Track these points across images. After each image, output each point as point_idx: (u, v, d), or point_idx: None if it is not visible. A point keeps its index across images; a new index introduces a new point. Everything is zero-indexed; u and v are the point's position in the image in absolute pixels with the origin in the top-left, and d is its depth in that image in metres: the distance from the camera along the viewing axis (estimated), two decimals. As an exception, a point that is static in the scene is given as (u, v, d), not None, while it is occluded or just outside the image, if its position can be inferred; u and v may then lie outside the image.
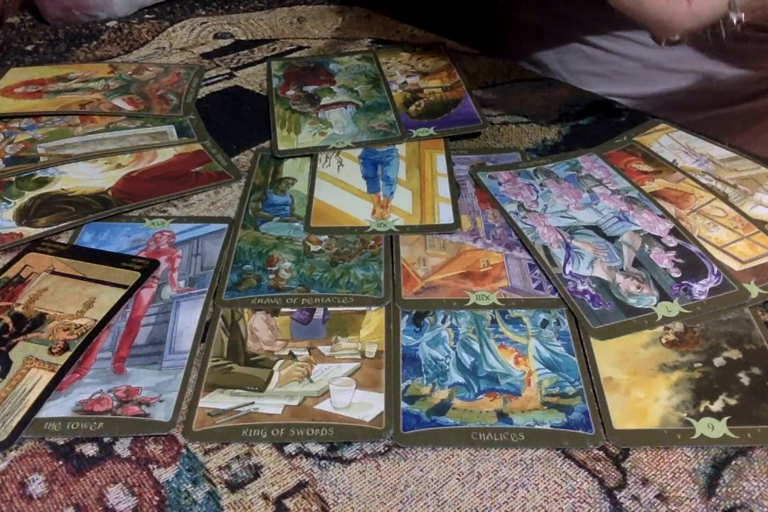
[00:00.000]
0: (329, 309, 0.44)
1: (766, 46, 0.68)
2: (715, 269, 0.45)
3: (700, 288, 0.44)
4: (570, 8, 0.74)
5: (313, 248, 0.49)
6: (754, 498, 0.34)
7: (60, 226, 0.51)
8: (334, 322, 0.44)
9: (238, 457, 0.36)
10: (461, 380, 0.40)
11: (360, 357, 0.41)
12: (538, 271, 0.46)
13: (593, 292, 0.44)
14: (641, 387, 0.39)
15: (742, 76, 0.71)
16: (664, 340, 0.42)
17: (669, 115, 0.63)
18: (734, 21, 0.45)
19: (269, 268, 0.47)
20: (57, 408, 0.38)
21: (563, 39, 0.76)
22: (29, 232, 0.51)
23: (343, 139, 0.60)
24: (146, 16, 0.87)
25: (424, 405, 0.38)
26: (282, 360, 0.41)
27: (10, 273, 0.47)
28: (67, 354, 0.41)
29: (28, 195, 0.54)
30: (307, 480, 0.35)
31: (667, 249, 0.47)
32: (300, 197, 0.54)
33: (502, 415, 0.38)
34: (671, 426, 0.37)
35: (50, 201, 0.54)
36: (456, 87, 0.68)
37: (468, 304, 0.44)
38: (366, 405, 0.38)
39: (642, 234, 0.48)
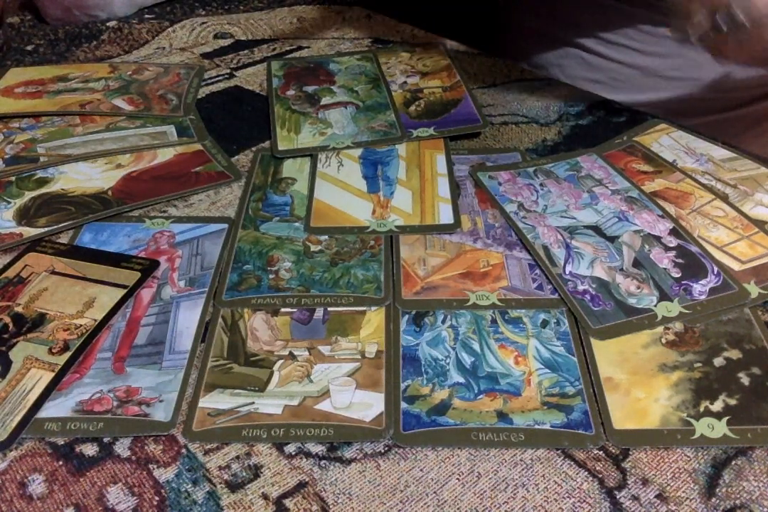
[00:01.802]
0: (329, 309, 0.44)
1: None
2: (715, 269, 0.45)
3: (700, 288, 0.44)
4: (568, 11, 0.74)
5: (313, 248, 0.49)
6: (754, 498, 0.34)
7: (60, 226, 0.51)
8: (334, 322, 0.43)
9: (238, 457, 0.36)
10: (461, 380, 0.40)
11: (360, 357, 0.41)
12: (538, 271, 0.46)
13: (593, 292, 0.44)
14: (641, 387, 0.39)
15: (741, 82, 0.71)
16: (664, 340, 0.42)
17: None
18: None
19: (269, 268, 0.47)
20: (57, 408, 0.38)
21: (562, 43, 0.76)
22: (29, 232, 0.51)
23: (343, 139, 0.60)
24: (146, 16, 0.87)
25: (424, 405, 0.38)
26: (282, 360, 0.41)
27: (10, 273, 0.47)
28: (67, 354, 0.41)
29: (28, 195, 0.54)
30: (307, 480, 0.35)
31: (667, 249, 0.47)
32: (300, 197, 0.54)
33: (502, 415, 0.38)
34: (671, 426, 0.37)
35: (50, 201, 0.54)
36: (456, 87, 0.68)
37: (468, 304, 0.44)
38: (366, 405, 0.38)
39: (642, 234, 0.48)
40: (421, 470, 0.36)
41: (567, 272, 0.46)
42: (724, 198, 0.52)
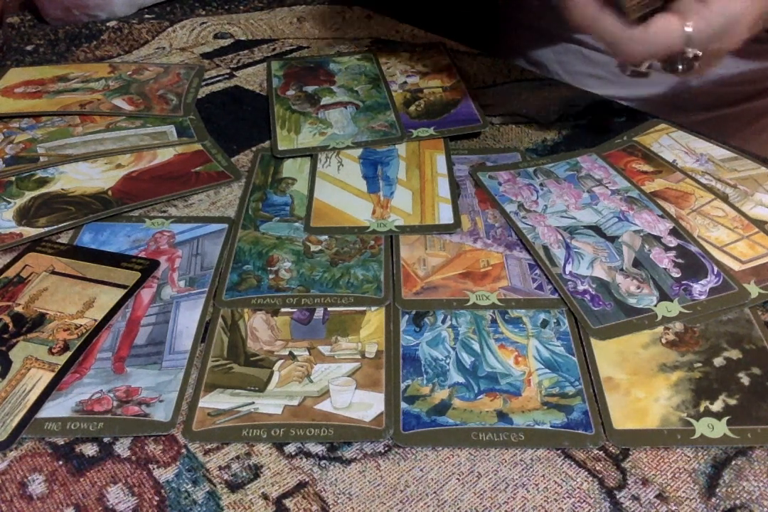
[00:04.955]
0: (329, 309, 0.44)
1: (761, 45, 0.68)
2: (715, 269, 0.45)
3: (700, 288, 0.44)
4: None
5: (313, 248, 0.49)
6: (754, 498, 0.34)
7: (60, 226, 0.51)
8: (334, 322, 0.44)
9: (238, 457, 0.36)
10: (461, 380, 0.40)
11: (360, 357, 0.41)
12: (538, 271, 0.46)
13: (593, 292, 0.44)
14: (641, 387, 0.39)
15: (740, 77, 0.71)
16: (664, 340, 0.42)
17: (667, 116, 0.63)
18: (690, 56, 0.44)
19: (269, 268, 0.47)
20: (57, 408, 0.38)
21: (562, 39, 0.76)
22: (29, 232, 0.51)
23: (343, 139, 0.60)
24: (146, 16, 0.87)
25: (424, 405, 0.38)
26: (282, 360, 0.41)
27: (10, 273, 0.47)
28: (67, 354, 0.41)
29: (28, 195, 0.54)
30: (307, 480, 0.35)
31: (667, 249, 0.47)
32: (300, 197, 0.54)
33: (502, 415, 0.38)
34: (671, 426, 0.37)
35: (50, 201, 0.54)
36: (456, 87, 0.68)
37: (468, 304, 0.44)
38: (366, 405, 0.38)
39: (642, 234, 0.48)
40: (421, 470, 0.36)
41: (567, 272, 0.46)
42: (724, 198, 0.52)
